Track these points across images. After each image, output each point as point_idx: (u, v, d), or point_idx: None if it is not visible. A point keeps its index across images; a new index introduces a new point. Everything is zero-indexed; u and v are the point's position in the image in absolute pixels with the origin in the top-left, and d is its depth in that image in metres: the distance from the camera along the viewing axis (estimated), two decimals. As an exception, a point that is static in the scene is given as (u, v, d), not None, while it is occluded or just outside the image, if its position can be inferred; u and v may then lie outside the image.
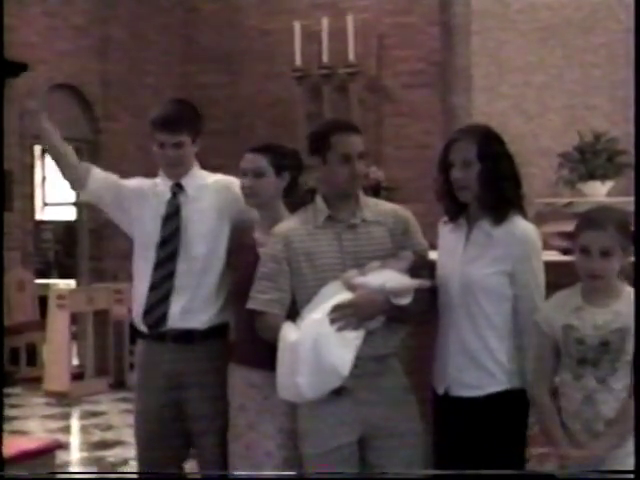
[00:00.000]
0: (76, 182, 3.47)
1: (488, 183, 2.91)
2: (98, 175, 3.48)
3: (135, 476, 3.58)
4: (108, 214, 3.54)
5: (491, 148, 2.93)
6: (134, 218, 3.45)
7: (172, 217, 3.39)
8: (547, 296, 2.99)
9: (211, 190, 3.42)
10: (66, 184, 3.54)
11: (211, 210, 3.39)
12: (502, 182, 2.93)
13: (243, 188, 3.28)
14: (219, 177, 3.50)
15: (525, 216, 3.00)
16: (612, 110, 9.65)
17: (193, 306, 3.35)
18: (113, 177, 3.52)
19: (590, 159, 8.99)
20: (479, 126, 3.06)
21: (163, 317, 3.34)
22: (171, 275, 3.34)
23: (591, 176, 8.97)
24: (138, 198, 3.45)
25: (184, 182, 3.42)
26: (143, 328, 3.39)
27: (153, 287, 3.35)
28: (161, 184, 3.46)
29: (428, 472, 3.04)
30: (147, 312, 3.35)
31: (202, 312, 3.35)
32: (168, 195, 3.43)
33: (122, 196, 3.47)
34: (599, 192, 8.94)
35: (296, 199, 3.29)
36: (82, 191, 3.47)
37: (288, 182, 3.29)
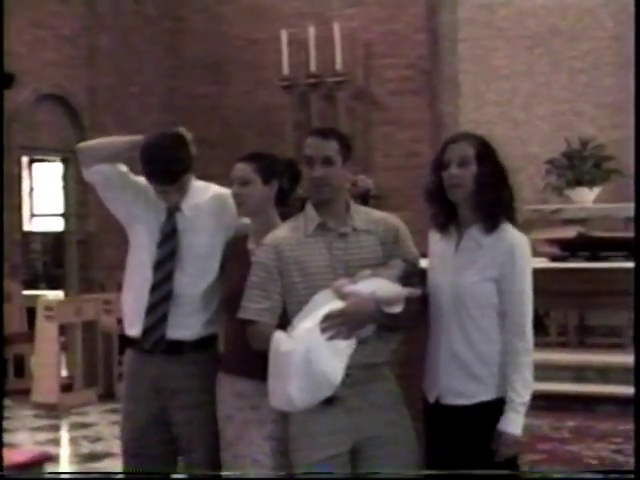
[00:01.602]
0: (91, 156, 3.38)
1: (484, 185, 2.89)
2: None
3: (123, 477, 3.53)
4: (107, 199, 3.42)
5: (489, 152, 2.95)
6: (134, 216, 3.38)
7: (169, 238, 3.35)
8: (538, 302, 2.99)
9: (207, 208, 3.37)
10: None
11: (207, 229, 3.35)
12: (498, 186, 2.92)
13: (233, 197, 3.27)
14: (216, 191, 3.43)
15: (516, 225, 3.00)
16: (599, 116, 9.71)
17: (184, 317, 3.32)
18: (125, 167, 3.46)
19: (577, 165, 9.04)
20: (475, 133, 3.05)
21: (161, 339, 3.32)
22: (168, 296, 3.31)
23: (579, 182, 9.01)
24: (144, 197, 3.38)
25: (181, 203, 3.38)
26: (134, 334, 3.36)
27: (151, 308, 3.31)
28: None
29: (420, 473, 3.03)
30: (146, 334, 3.32)
31: (192, 323, 3.33)
32: (165, 213, 3.38)
33: (129, 186, 3.38)
34: (587, 198, 8.98)
35: (290, 208, 3.25)
36: (94, 166, 3.36)
37: (282, 191, 3.26)
